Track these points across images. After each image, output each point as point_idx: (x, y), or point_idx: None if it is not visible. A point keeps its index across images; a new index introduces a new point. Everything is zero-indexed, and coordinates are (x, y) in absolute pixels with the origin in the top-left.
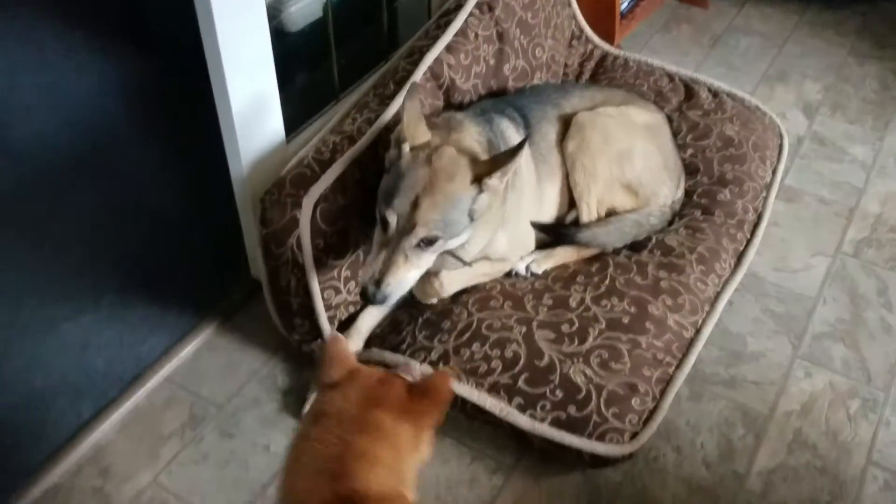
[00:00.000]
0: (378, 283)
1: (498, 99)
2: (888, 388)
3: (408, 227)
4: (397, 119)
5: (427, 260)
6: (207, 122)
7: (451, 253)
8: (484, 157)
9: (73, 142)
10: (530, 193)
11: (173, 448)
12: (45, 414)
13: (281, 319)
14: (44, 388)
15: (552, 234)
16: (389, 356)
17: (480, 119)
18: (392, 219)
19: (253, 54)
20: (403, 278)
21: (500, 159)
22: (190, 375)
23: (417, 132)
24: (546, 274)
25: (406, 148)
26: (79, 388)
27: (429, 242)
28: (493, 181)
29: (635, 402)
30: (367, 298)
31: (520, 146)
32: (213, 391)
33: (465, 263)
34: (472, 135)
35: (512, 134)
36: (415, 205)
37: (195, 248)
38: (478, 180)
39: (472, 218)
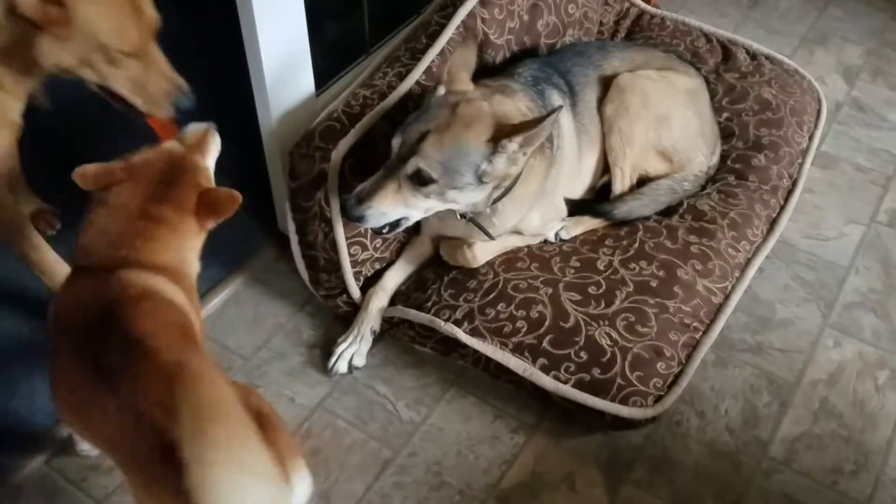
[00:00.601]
0: (360, 200)
1: (543, 62)
2: None
3: (407, 155)
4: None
5: (421, 201)
6: (236, 73)
7: (476, 223)
8: None
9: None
10: (569, 168)
11: None
12: None
13: (308, 273)
14: None
15: (590, 213)
16: (414, 314)
17: (532, 92)
18: (396, 144)
19: (284, 4)
20: (387, 207)
21: (525, 125)
22: (217, 327)
23: (458, 79)
24: (574, 237)
25: (441, 89)
26: None
27: (423, 181)
28: (512, 145)
29: (660, 366)
30: (344, 210)
31: (546, 116)
32: (239, 343)
33: (490, 237)
34: (520, 106)
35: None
36: (422, 138)
37: None
38: (495, 140)
39: (480, 178)
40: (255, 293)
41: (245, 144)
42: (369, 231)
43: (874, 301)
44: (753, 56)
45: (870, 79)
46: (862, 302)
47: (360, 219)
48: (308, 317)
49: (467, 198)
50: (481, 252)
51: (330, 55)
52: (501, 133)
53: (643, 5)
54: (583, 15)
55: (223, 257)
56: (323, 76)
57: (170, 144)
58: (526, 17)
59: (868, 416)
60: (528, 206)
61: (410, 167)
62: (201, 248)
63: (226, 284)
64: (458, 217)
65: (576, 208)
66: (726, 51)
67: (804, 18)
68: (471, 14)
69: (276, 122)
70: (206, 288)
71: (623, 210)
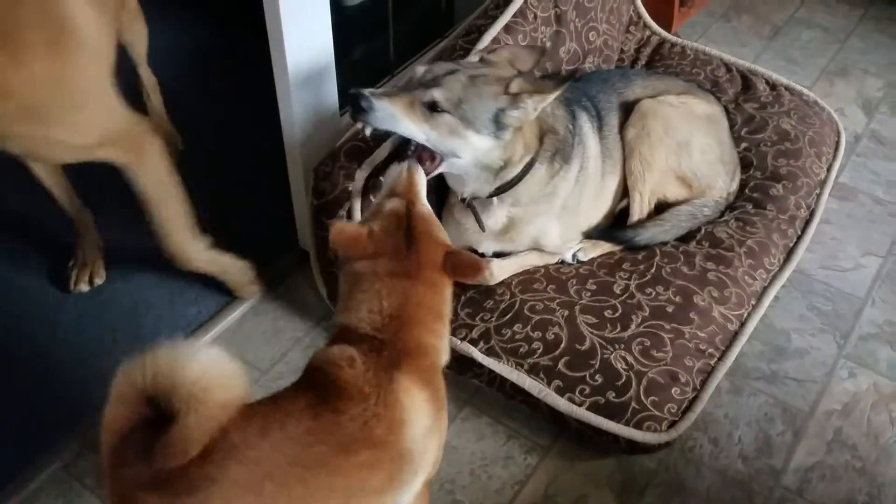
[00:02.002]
0: (373, 96)
1: (572, 86)
2: None
3: (430, 83)
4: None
5: (424, 128)
6: (262, 91)
7: (474, 209)
8: (553, 135)
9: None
10: (592, 190)
11: None
12: (94, 369)
13: (326, 289)
14: (96, 345)
15: (612, 241)
16: None
17: (565, 109)
18: (420, 71)
19: (312, 25)
20: (395, 113)
21: (545, 85)
22: (236, 339)
23: (501, 57)
24: (591, 260)
25: (475, 56)
26: (129, 346)
27: (433, 107)
28: (529, 102)
29: (675, 391)
30: (350, 100)
31: (567, 78)
32: (257, 356)
33: (481, 228)
34: (562, 118)
35: (587, 130)
36: (449, 73)
37: (245, 217)
38: (514, 95)
39: (497, 123)
40: (274, 307)
41: (269, 161)
42: None
43: (890, 333)
44: (773, 86)
45: (889, 111)
46: (878, 334)
47: (364, 111)
48: (325, 332)
49: (476, 144)
50: (498, 269)
51: (355, 75)
52: (523, 88)
53: (664, 34)
54: (603, 42)
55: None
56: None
57: (392, 203)
58: (549, 45)
59: (882, 448)
60: (542, 214)
61: (430, 95)
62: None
63: (244, 298)
64: (460, 199)
65: (600, 236)
66: (746, 81)
67: (825, 50)
68: (495, 40)
69: (300, 139)
70: (225, 301)
71: (645, 236)
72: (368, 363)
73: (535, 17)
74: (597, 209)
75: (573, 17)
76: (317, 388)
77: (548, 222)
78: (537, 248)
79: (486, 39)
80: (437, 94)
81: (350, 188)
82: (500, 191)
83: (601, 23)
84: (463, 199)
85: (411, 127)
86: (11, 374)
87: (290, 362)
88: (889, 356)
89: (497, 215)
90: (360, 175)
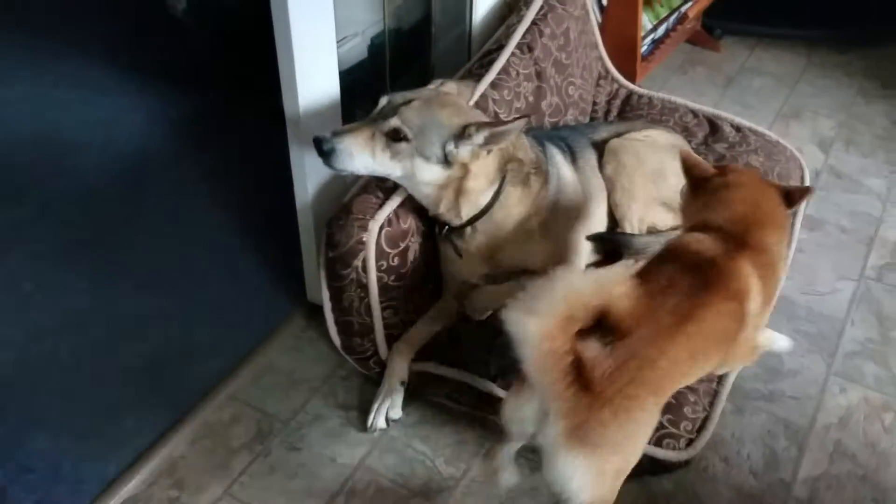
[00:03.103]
0: (336, 135)
1: (542, 132)
2: None
3: (390, 113)
4: None
5: (386, 158)
6: (273, 151)
7: (450, 240)
8: (516, 163)
9: (131, 173)
10: (578, 213)
11: (243, 461)
12: (117, 429)
13: (340, 339)
14: (119, 403)
15: (610, 243)
16: (447, 371)
17: (534, 142)
18: (384, 101)
19: (324, 90)
20: (359, 150)
21: (494, 123)
22: (254, 393)
23: (462, 88)
24: None
25: (435, 83)
26: (151, 403)
27: (396, 137)
28: (478, 136)
29: (688, 410)
30: (317, 144)
31: (514, 120)
32: (277, 408)
33: (458, 255)
34: (524, 146)
35: (560, 160)
36: (406, 102)
37: (256, 271)
38: (466, 127)
39: (445, 154)
40: (288, 360)
41: (278, 222)
42: (402, 295)
43: (872, 350)
44: (738, 129)
45: (843, 148)
46: (861, 351)
47: (330, 152)
48: (341, 380)
49: (427, 173)
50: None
51: None
52: (471, 121)
53: (630, 86)
54: (579, 96)
55: (255, 327)
56: None
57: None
58: (531, 98)
59: (880, 455)
60: (522, 237)
61: (390, 124)
62: None
63: (259, 353)
64: (438, 233)
65: (599, 238)
66: (713, 124)
67: (777, 95)
68: (483, 95)
69: (311, 197)
70: (240, 357)
71: (642, 241)
72: (718, 245)
73: (518, 73)
74: (590, 230)
75: (552, 73)
76: (677, 260)
77: (530, 244)
78: (525, 268)
79: (476, 95)
80: (398, 122)
81: (364, 239)
82: (475, 219)
83: (577, 77)
84: (439, 232)
85: (369, 162)
86: None
87: (310, 411)
88: (874, 371)
89: (477, 240)
90: (374, 226)
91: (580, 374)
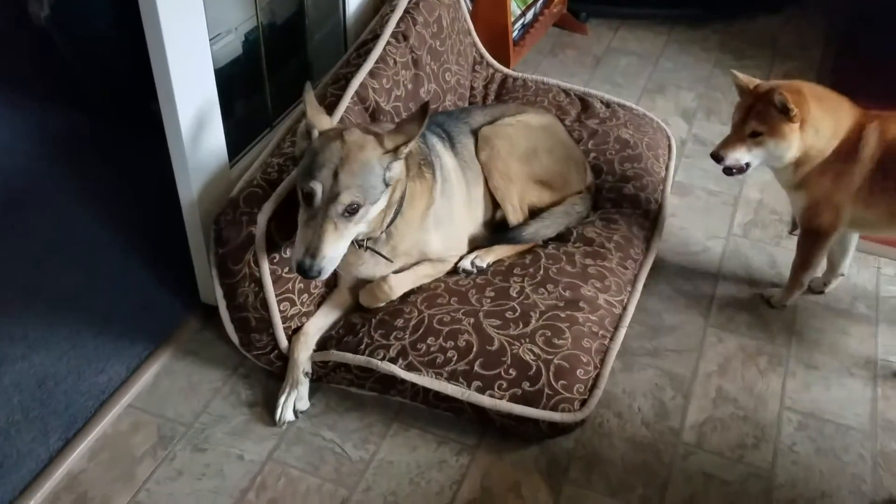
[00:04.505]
0: (314, 255)
1: None
2: (789, 345)
3: (332, 195)
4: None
5: (352, 231)
6: (150, 158)
7: (374, 250)
8: (417, 157)
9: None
10: (461, 198)
11: (147, 468)
12: (11, 450)
13: (238, 336)
14: (7, 425)
15: (503, 241)
16: (350, 357)
17: None
18: (318, 189)
19: (200, 89)
20: (335, 248)
21: (410, 128)
22: (152, 400)
23: (321, 121)
24: (486, 269)
25: (315, 133)
26: (43, 422)
27: (352, 210)
28: (404, 150)
29: (580, 372)
30: (304, 272)
31: (424, 110)
32: (178, 412)
33: (388, 260)
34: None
35: (440, 148)
36: (335, 175)
37: (144, 280)
38: (386, 150)
39: (386, 183)
40: (186, 364)
41: (164, 226)
42: (296, 286)
43: (743, 300)
44: (608, 104)
45: (705, 117)
46: (734, 302)
47: (321, 272)
48: (242, 378)
49: (377, 209)
50: (397, 283)
51: (239, 130)
52: (388, 143)
53: (505, 70)
54: (456, 82)
55: (148, 335)
56: (234, 149)
57: None
58: (410, 86)
59: (757, 396)
60: (421, 228)
61: (341, 205)
62: None
63: (154, 359)
64: (357, 247)
65: (491, 242)
66: (584, 102)
67: (642, 72)
68: (362, 85)
69: (197, 195)
70: (136, 364)
71: (530, 231)
72: None
73: (395, 62)
74: (473, 215)
75: (428, 60)
76: None
77: (425, 234)
78: (425, 259)
79: (355, 84)
80: (349, 197)
81: (254, 232)
82: (391, 223)
83: (452, 64)
84: (360, 246)
85: (345, 247)
86: None
87: (212, 412)
88: (746, 319)
89: (391, 243)
90: (262, 219)
91: None
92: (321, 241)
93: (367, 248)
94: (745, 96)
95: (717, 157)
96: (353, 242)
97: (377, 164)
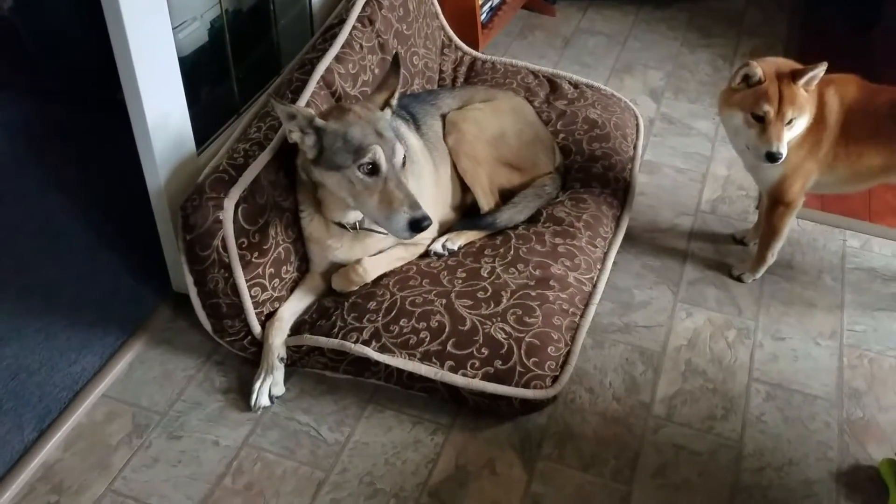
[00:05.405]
0: (417, 207)
1: None
2: (757, 318)
3: (393, 150)
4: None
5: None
6: (118, 148)
7: (366, 228)
8: None
9: None
10: (429, 179)
11: (123, 456)
12: None
13: (210, 323)
14: None
15: (476, 228)
16: (324, 340)
17: None
18: (379, 152)
19: (165, 77)
20: (424, 202)
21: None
22: (126, 389)
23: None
24: (457, 251)
25: (319, 120)
26: (17, 413)
27: (404, 161)
28: (393, 100)
29: (551, 349)
30: (420, 226)
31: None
32: (152, 400)
33: (383, 233)
34: None
35: (405, 130)
36: (380, 135)
37: (116, 269)
38: (380, 107)
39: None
40: (159, 352)
41: (133, 215)
42: (267, 271)
43: (711, 276)
44: (576, 85)
45: (673, 96)
46: (702, 278)
47: (431, 221)
48: (216, 365)
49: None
50: (371, 266)
51: (206, 117)
52: (378, 100)
53: (474, 52)
54: (424, 65)
55: (120, 325)
56: (202, 136)
57: None
58: (377, 71)
59: (726, 368)
60: None
61: (400, 155)
62: None
63: (127, 348)
64: (350, 229)
65: (463, 226)
66: (552, 83)
67: (610, 53)
68: (328, 70)
69: (164, 183)
70: (109, 354)
71: (504, 218)
72: None
73: (362, 46)
74: (441, 197)
75: (395, 44)
76: None
77: None
78: (400, 241)
79: (321, 69)
80: (402, 149)
81: (221, 217)
82: None
83: (420, 47)
84: (354, 228)
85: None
86: None
87: (187, 399)
88: (715, 294)
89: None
90: (229, 203)
91: None
92: (414, 195)
93: (362, 228)
94: (771, 84)
95: (777, 156)
96: (343, 225)
97: (385, 118)
